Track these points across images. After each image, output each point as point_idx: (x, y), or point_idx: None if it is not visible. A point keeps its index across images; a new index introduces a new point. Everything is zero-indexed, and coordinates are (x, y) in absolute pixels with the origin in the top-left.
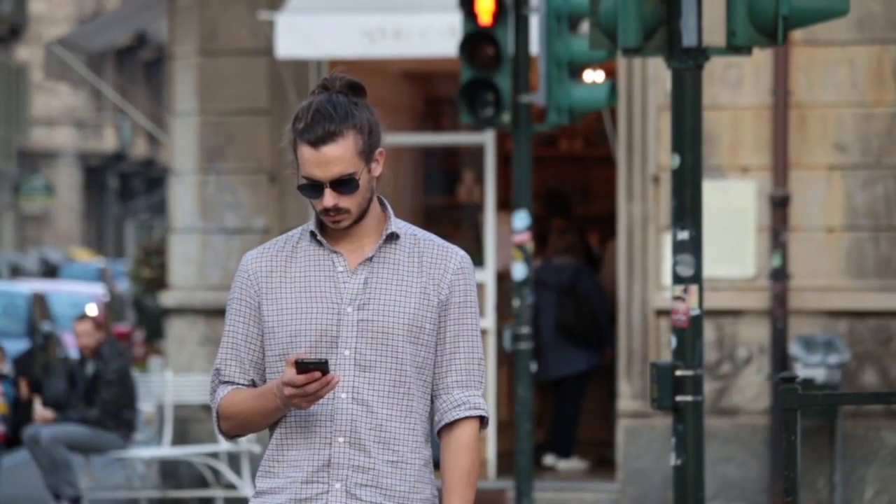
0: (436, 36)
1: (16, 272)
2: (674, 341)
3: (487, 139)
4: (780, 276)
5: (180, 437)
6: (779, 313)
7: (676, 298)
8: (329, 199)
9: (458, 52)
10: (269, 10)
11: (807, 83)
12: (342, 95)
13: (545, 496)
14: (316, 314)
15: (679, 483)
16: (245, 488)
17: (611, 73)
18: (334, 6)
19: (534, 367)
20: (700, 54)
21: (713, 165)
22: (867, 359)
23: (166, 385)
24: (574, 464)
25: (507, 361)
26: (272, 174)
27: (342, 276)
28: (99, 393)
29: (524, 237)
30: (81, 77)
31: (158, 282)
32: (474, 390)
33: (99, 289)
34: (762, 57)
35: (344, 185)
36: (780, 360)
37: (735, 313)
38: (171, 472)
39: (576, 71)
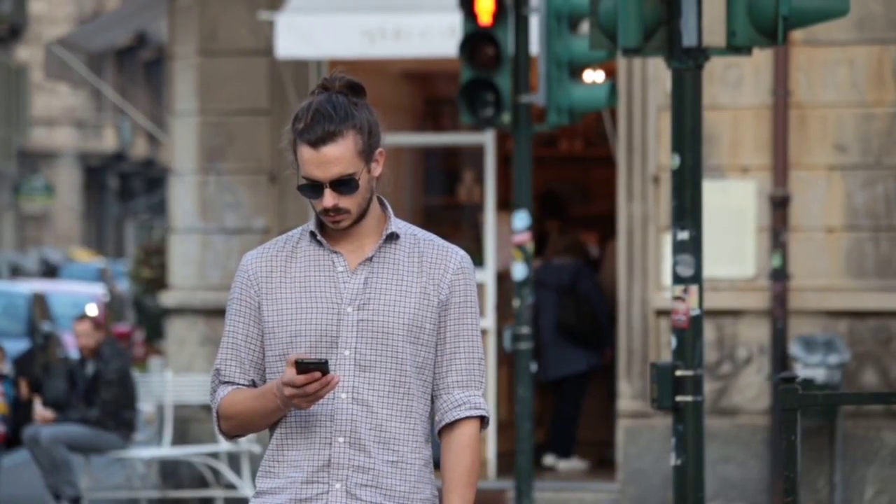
0: (436, 36)
1: (16, 272)
2: (674, 341)
3: (487, 139)
4: (780, 276)
5: (180, 438)
6: (779, 313)
7: (676, 298)
8: (329, 199)
9: (458, 52)
10: (269, 10)
11: (807, 83)
12: (342, 95)
13: (545, 496)
14: (316, 314)
15: (679, 483)
16: (245, 488)
17: (611, 73)
18: (334, 6)
19: (534, 367)
20: (700, 54)
21: (713, 165)
22: (867, 359)
23: (166, 385)
24: (574, 464)
25: (507, 361)
26: (272, 174)
27: (342, 276)
28: (99, 393)
29: (524, 237)
30: (81, 77)
31: (158, 282)
32: (475, 390)
33: (99, 289)
34: (762, 57)
35: (344, 185)
36: (780, 360)
37: (735, 313)
38: (171, 472)
39: (576, 71)
